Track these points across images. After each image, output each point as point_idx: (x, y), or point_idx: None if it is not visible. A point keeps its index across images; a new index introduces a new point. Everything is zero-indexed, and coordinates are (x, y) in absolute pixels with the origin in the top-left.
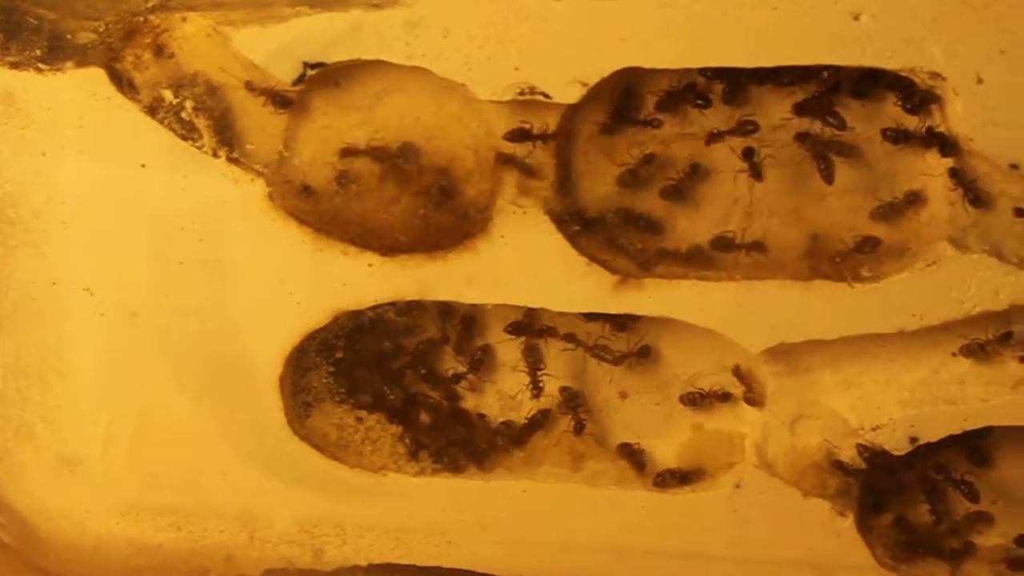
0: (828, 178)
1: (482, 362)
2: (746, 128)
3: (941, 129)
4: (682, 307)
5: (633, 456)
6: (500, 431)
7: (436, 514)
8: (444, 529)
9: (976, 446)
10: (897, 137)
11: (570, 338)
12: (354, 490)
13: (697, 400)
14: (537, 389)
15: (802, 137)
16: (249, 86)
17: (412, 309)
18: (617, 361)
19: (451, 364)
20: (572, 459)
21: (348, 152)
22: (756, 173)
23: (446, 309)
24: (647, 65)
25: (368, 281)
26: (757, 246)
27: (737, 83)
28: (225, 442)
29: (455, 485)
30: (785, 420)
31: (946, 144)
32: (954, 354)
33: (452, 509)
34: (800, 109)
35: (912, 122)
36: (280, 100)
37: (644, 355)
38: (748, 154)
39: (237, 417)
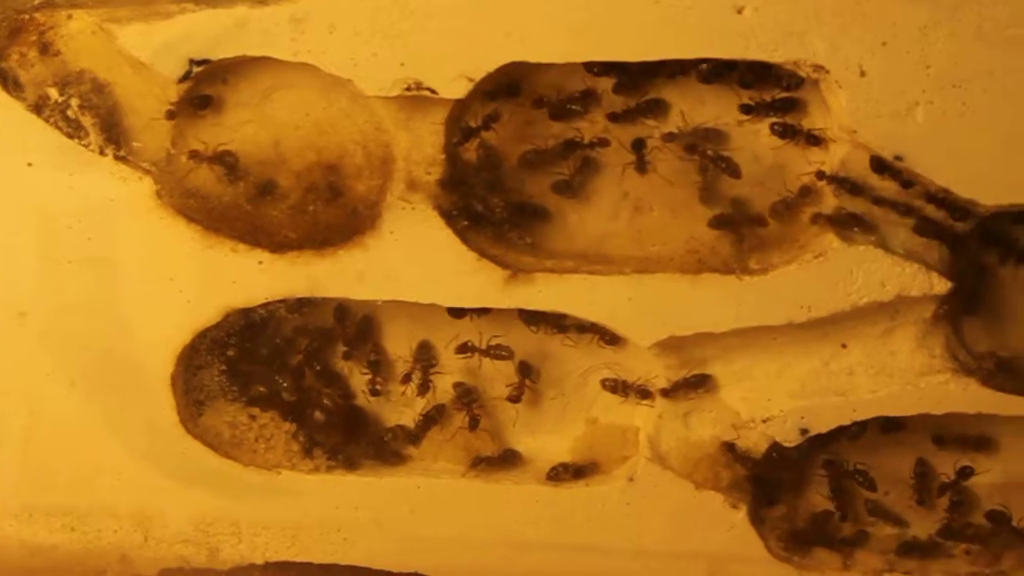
0: (734, 174)
1: (378, 363)
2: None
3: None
4: (572, 301)
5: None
6: (395, 428)
7: (331, 511)
8: (339, 526)
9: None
10: (784, 132)
11: (463, 348)
12: (249, 488)
13: (619, 388)
14: (425, 387)
15: (690, 148)
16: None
17: (303, 306)
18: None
19: (345, 361)
20: (467, 455)
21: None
22: (641, 166)
23: (343, 307)
24: (532, 60)
25: (258, 278)
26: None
27: (632, 77)
28: (118, 441)
29: (350, 482)
30: (677, 413)
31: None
32: (843, 345)
33: (347, 506)
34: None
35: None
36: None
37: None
38: (637, 146)
39: (129, 416)
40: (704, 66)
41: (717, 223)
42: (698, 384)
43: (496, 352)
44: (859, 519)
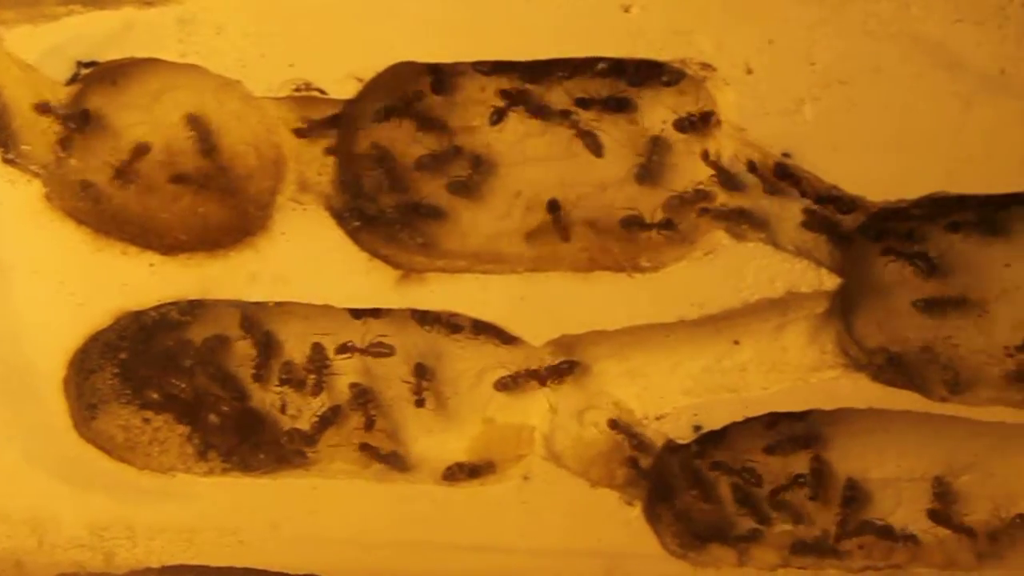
0: (596, 152)
1: (289, 380)
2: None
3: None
4: (465, 301)
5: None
6: (291, 429)
7: (227, 514)
8: (235, 529)
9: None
10: (683, 125)
11: (343, 348)
12: (143, 492)
13: (509, 384)
14: (319, 387)
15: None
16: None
17: (196, 308)
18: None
19: (240, 362)
20: (363, 455)
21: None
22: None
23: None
24: (421, 60)
25: (149, 281)
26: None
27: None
28: (10, 446)
29: (245, 484)
30: (572, 411)
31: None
32: (736, 342)
33: (243, 508)
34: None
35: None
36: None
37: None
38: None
39: (21, 421)
40: (601, 65)
41: (626, 224)
42: (568, 370)
43: (376, 350)
44: (758, 515)
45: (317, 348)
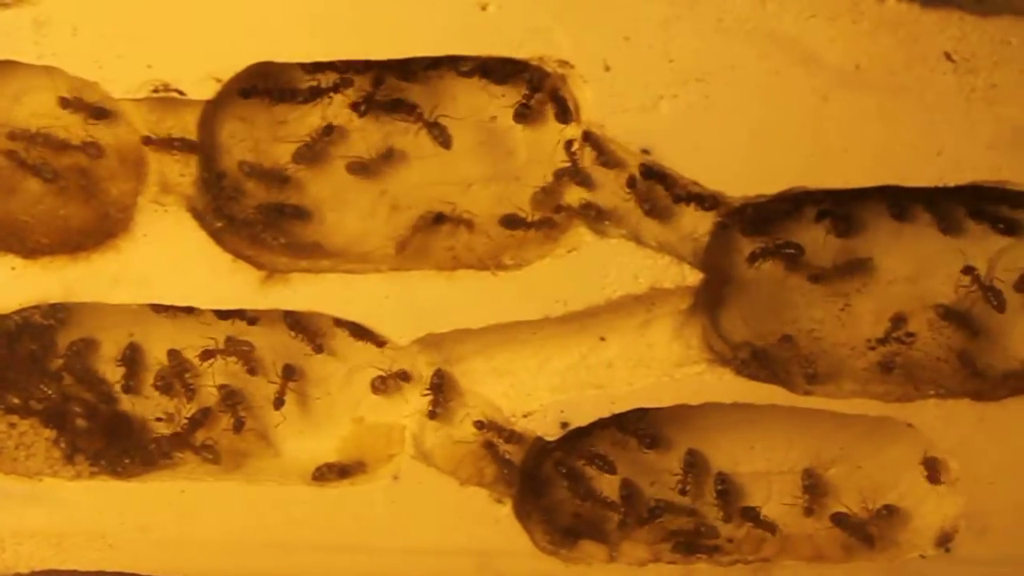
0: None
1: (135, 363)
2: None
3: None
4: (329, 301)
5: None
6: (160, 432)
7: (95, 518)
8: (104, 533)
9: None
10: (523, 114)
11: (206, 354)
12: (10, 497)
13: (379, 386)
14: (190, 392)
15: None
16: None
17: (59, 311)
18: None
19: (107, 366)
20: (233, 457)
21: None
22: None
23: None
24: (279, 59)
25: (11, 285)
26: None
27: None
28: None
29: (113, 488)
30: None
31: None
32: (602, 338)
33: (111, 512)
34: None
35: None
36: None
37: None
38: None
39: None
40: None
41: (507, 223)
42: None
43: (234, 349)
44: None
45: (173, 354)
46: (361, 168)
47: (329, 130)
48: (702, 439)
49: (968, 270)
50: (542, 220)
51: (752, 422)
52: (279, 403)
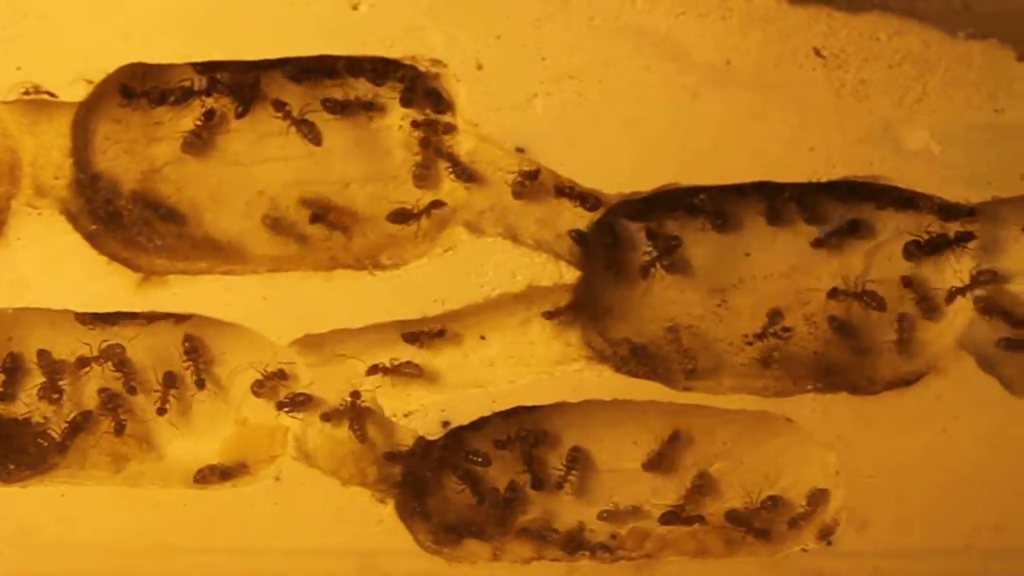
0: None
1: (15, 370)
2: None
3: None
4: (207, 302)
5: None
6: (40, 435)
7: None
8: None
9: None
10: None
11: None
12: None
13: (259, 389)
14: (56, 394)
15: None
16: None
17: None
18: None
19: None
20: (113, 460)
21: None
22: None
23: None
24: (150, 61)
25: None
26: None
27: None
28: None
29: None
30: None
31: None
32: (482, 337)
33: None
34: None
35: None
36: None
37: (192, 353)
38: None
39: None
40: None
41: (397, 218)
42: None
43: (109, 354)
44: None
45: (43, 355)
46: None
47: (211, 114)
48: (586, 436)
49: (833, 292)
50: (430, 205)
51: (636, 419)
52: (162, 411)
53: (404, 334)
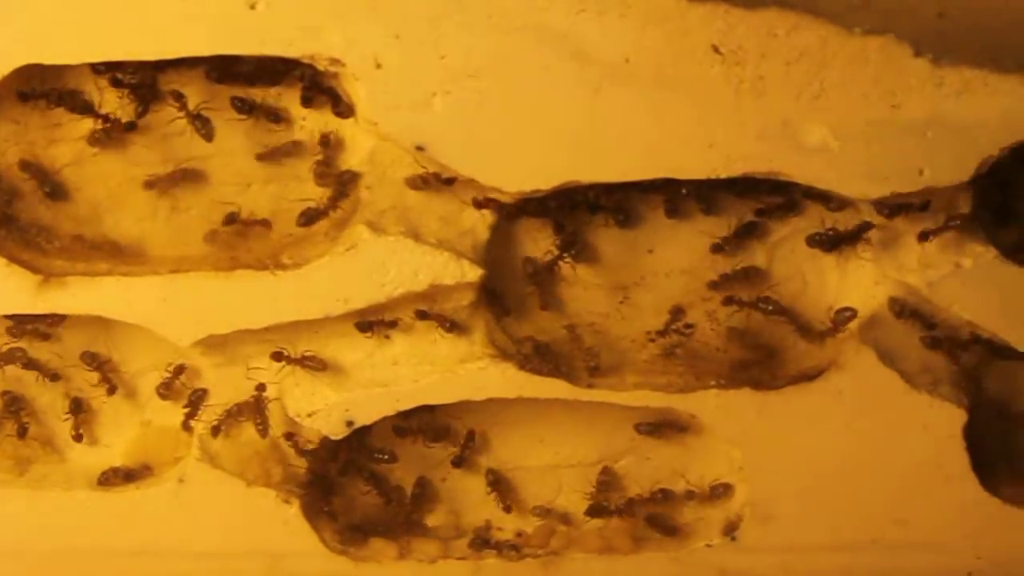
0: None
1: None
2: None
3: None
4: (108, 304)
5: None
6: None
7: None
8: None
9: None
10: (307, 100)
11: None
12: None
13: (164, 391)
14: None
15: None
16: None
17: None
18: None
19: None
20: (16, 463)
21: None
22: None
23: None
24: (46, 61)
25: None
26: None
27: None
28: None
29: None
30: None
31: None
32: (387, 336)
33: None
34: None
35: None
36: None
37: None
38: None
39: None
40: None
41: (306, 219)
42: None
43: (10, 357)
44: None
45: None
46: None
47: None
48: (492, 434)
49: (729, 301)
50: (334, 198)
51: (542, 416)
52: (78, 438)
53: (358, 323)
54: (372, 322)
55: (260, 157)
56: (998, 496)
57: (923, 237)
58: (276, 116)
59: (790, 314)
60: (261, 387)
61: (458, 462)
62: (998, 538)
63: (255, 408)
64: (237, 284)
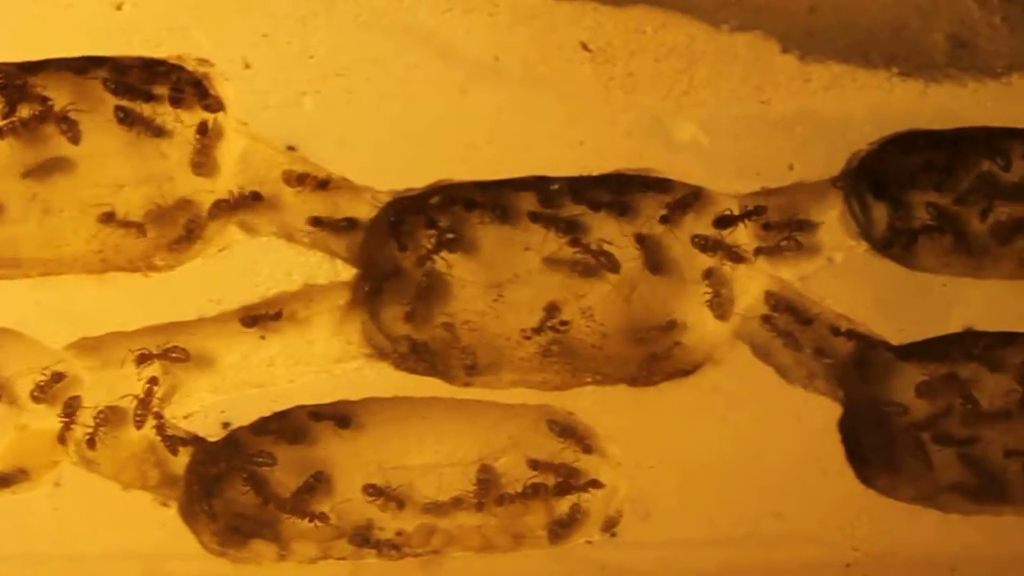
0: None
1: None
2: None
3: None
4: None
5: None
6: None
7: None
8: None
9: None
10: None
11: None
12: None
13: (39, 395)
14: None
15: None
16: None
17: None
18: None
19: None
20: None
21: None
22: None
23: None
24: None
25: None
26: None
27: None
28: None
29: None
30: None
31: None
32: (262, 337)
33: None
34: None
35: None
36: None
37: None
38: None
39: None
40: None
41: (214, 212)
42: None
43: None
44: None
45: None
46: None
47: None
48: (373, 433)
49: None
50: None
51: (422, 415)
52: None
53: (242, 318)
54: (256, 316)
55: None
56: (874, 488)
57: (757, 252)
58: (158, 131)
59: None
60: (153, 380)
61: (299, 503)
62: (874, 530)
63: (142, 402)
64: (110, 286)
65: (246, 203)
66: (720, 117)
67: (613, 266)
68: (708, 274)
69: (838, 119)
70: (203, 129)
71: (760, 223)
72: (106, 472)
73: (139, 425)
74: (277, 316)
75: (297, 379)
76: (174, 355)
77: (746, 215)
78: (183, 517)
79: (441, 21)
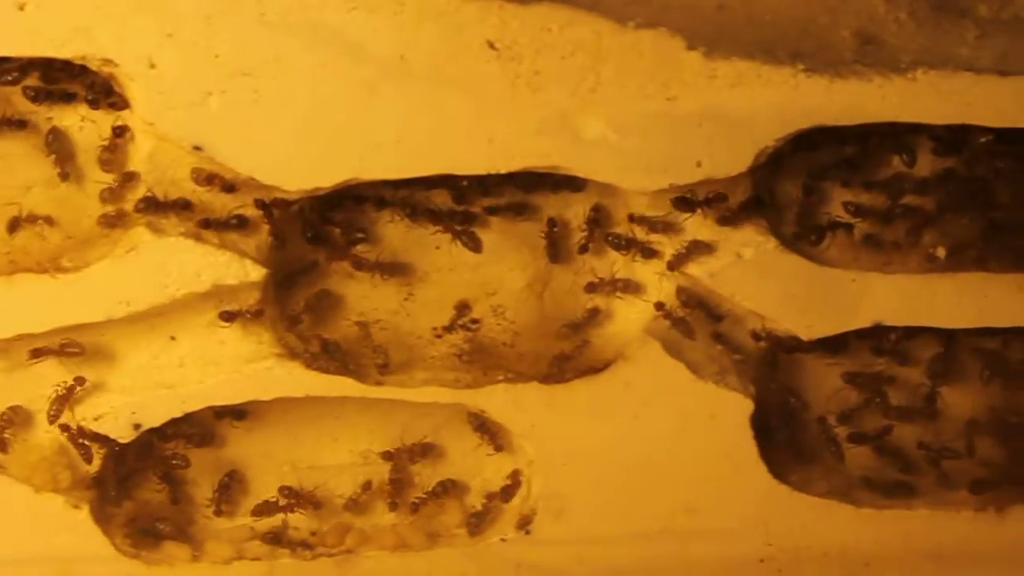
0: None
1: None
2: None
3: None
4: None
5: None
6: None
7: None
8: None
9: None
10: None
11: None
12: None
13: None
14: None
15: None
16: None
17: None
18: None
19: None
20: None
21: None
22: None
23: None
24: None
25: None
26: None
27: None
28: None
29: None
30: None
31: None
32: (172, 337)
33: None
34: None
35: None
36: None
37: None
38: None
39: None
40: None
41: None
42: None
43: None
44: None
45: None
46: None
47: None
48: (286, 433)
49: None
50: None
51: (336, 415)
52: None
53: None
54: (233, 313)
55: None
56: (786, 483)
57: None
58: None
59: None
60: (80, 380)
61: (217, 512)
62: (787, 524)
63: (61, 399)
64: (17, 288)
65: (175, 208)
66: (627, 114)
67: (476, 246)
68: (618, 271)
69: (744, 116)
70: (120, 132)
71: (720, 211)
72: (17, 475)
73: (52, 420)
74: (260, 313)
75: (207, 379)
76: (70, 350)
77: (707, 201)
78: (95, 519)
79: (347, 20)
